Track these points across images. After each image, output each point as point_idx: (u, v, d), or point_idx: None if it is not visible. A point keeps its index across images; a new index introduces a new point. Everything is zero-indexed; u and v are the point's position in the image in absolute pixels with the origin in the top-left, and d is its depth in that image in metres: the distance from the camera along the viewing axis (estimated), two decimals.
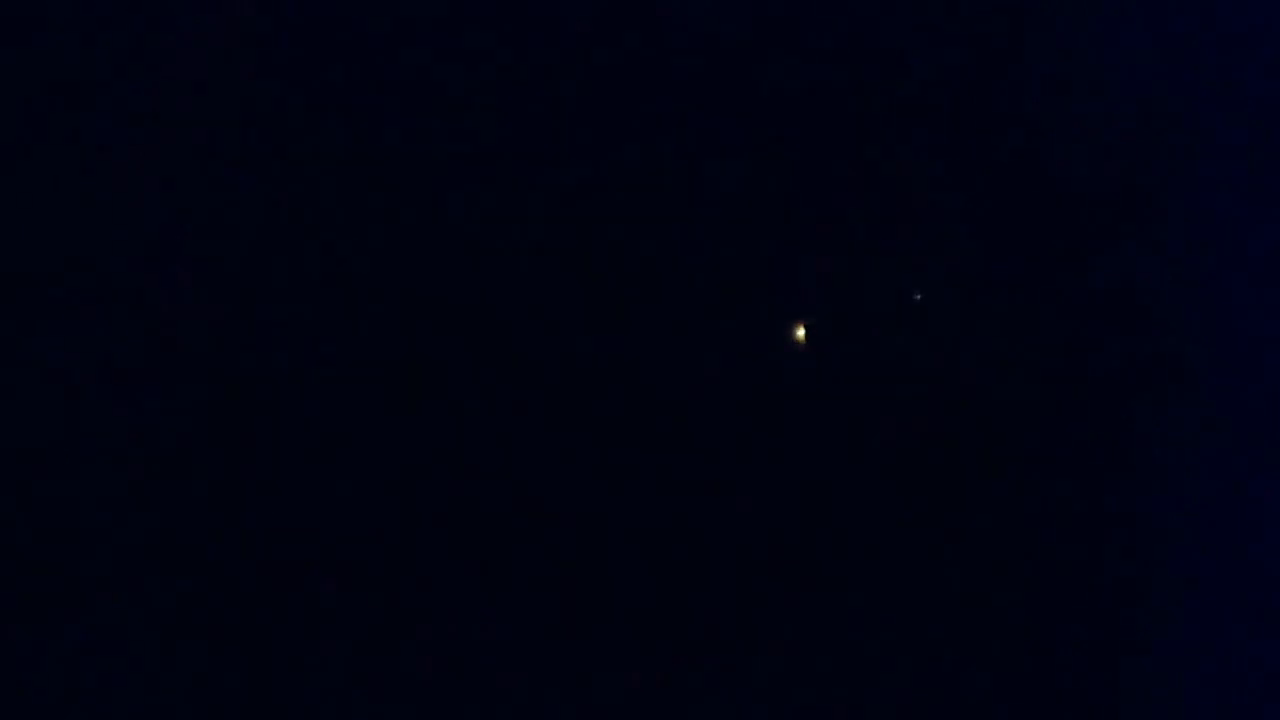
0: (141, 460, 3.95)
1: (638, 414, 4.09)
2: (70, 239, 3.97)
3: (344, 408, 4.02)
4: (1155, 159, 4.23)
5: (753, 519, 4.10)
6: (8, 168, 3.96)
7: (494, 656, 4.01)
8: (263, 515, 3.98)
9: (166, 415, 3.97)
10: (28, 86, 3.97)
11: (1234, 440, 4.20)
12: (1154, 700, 4.16)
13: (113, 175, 3.99)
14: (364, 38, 4.08)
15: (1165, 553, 4.19)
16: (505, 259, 4.08)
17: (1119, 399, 4.21)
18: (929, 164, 4.18)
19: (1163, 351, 4.21)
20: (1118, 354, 4.21)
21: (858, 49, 4.18)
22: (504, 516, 4.04)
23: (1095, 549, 4.19)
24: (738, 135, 4.15)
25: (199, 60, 4.02)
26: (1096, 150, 4.22)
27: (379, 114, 4.07)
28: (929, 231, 4.18)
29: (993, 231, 4.20)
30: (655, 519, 4.07)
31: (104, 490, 3.94)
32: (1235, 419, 4.20)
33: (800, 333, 3.85)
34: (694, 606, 4.06)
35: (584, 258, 4.10)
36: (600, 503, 4.06)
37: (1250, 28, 4.22)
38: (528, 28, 4.12)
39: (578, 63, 4.12)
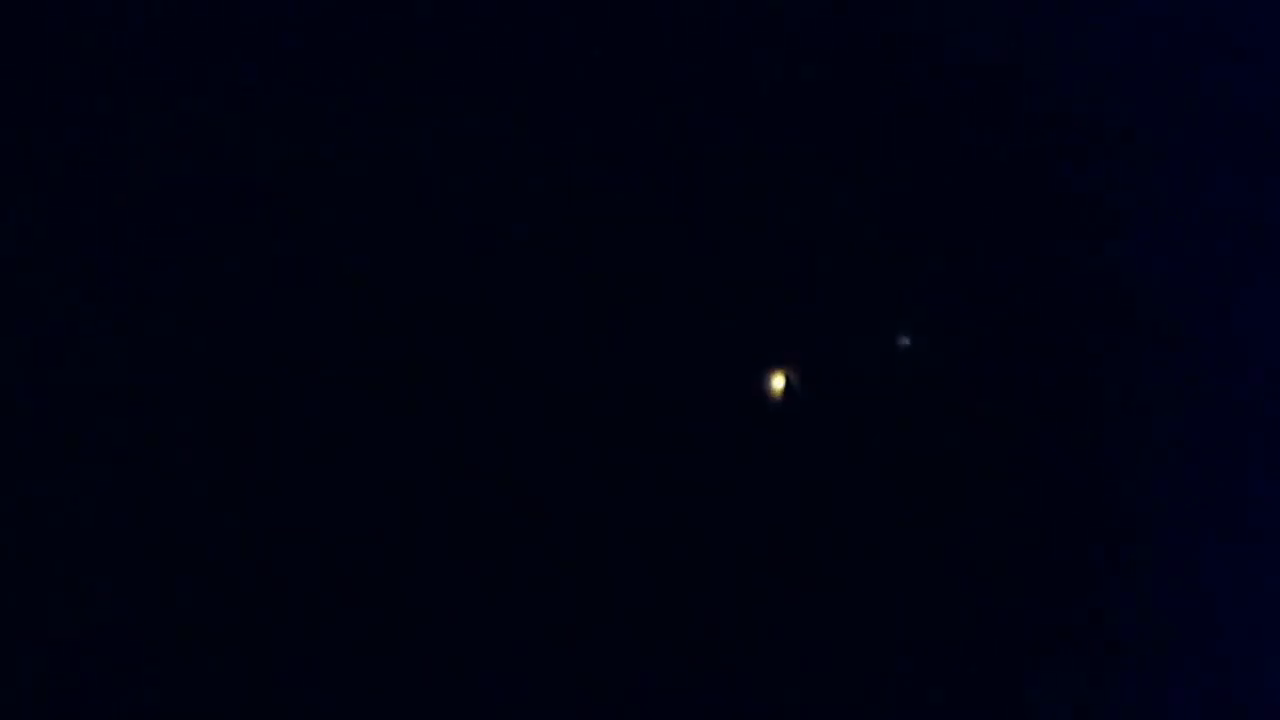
0: (139, 460, 3.96)
1: (636, 416, 4.09)
2: (69, 238, 3.97)
3: (344, 407, 4.02)
4: (1154, 159, 4.24)
5: (753, 521, 4.10)
6: (7, 167, 3.96)
7: (494, 657, 4.01)
8: (262, 515, 3.98)
9: (165, 415, 3.97)
10: (26, 85, 3.97)
11: (1233, 439, 4.21)
12: (1154, 701, 4.16)
13: (111, 174, 3.99)
14: (361, 35, 4.08)
15: (1165, 553, 4.19)
16: (503, 259, 4.08)
17: (1118, 399, 4.22)
18: (926, 163, 4.19)
19: (1163, 351, 4.22)
20: (1117, 354, 4.22)
21: (854, 50, 4.18)
22: (504, 516, 4.04)
23: (1094, 550, 4.19)
24: (734, 136, 4.16)
25: (198, 57, 4.02)
26: (1095, 149, 4.23)
27: (377, 112, 4.08)
28: (927, 231, 4.18)
29: (991, 231, 4.21)
30: (655, 520, 4.07)
31: (103, 490, 3.94)
32: (1235, 419, 4.21)
33: (780, 383, 3.87)
34: (694, 606, 4.07)
35: (581, 259, 4.11)
36: (600, 503, 4.06)
37: (1251, 27, 4.23)
38: (527, 27, 4.12)
39: (574, 62, 4.13)
